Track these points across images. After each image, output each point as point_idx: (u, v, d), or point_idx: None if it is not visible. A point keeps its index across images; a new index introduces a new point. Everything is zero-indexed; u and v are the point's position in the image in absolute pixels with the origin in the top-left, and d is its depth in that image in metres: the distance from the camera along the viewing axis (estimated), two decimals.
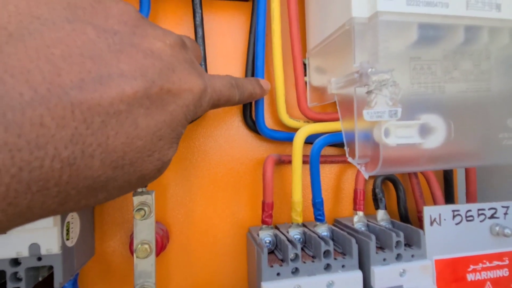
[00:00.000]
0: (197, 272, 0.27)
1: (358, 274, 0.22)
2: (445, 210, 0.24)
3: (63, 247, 0.19)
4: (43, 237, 0.18)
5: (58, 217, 0.18)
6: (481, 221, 0.25)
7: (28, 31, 0.10)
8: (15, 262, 0.18)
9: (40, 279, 0.20)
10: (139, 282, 0.22)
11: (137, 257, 0.22)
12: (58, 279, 0.19)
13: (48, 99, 0.09)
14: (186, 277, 0.26)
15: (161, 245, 0.24)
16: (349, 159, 0.21)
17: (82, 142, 0.10)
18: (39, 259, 0.18)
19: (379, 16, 0.19)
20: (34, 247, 0.18)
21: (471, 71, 0.21)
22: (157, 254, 0.24)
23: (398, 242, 0.23)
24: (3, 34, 0.09)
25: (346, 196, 0.30)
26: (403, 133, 0.20)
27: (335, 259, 0.22)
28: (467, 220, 0.24)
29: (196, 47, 0.19)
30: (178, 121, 0.14)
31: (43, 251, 0.18)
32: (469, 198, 0.28)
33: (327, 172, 0.30)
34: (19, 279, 0.18)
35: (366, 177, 0.21)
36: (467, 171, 0.28)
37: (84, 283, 0.25)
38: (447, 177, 0.29)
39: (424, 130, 0.20)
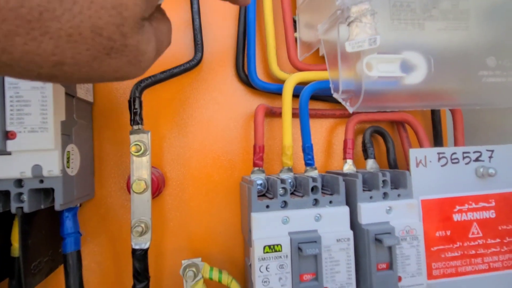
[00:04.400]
0: (192, 217, 0.28)
1: (345, 209, 0.23)
2: (431, 152, 0.25)
3: (64, 171, 0.20)
4: (45, 159, 0.19)
5: (59, 141, 0.20)
6: (466, 164, 0.25)
7: None
8: (19, 183, 0.20)
9: (42, 207, 0.21)
10: (135, 217, 0.23)
11: (133, 191, 0.23)
12: (58, 200, 0.20)
13: None
14: (181, 224, 0.27)
15: (157, 185, 0.25)
16: (334, 95, 0.22)
17: None
18: (41, 181, 0.20)
19: None
20: (36, 168, 0.19)
21: (449, 10, 0.22)
22: (153, 194, 0.25)
23: (384, 182, 0.24)
24: None
25: (336, 152, 0.31)
26: (385, 68, 0.21)
27: (323, 195, 0.23)
28: (453, 163, 0.25)
29: None
30: None
31: (45, 173, 0.19)
32: (457, 145, 0.29)
33: (318, 127, 0.31)
34: (22, 202, 0.20)
35: (350, 111, 0.21)
36: (454, 120, 0.29)
37: (85, 225, 0.26)
38: (436, 129, 0.30)
39: (406, 67, 0.21)
